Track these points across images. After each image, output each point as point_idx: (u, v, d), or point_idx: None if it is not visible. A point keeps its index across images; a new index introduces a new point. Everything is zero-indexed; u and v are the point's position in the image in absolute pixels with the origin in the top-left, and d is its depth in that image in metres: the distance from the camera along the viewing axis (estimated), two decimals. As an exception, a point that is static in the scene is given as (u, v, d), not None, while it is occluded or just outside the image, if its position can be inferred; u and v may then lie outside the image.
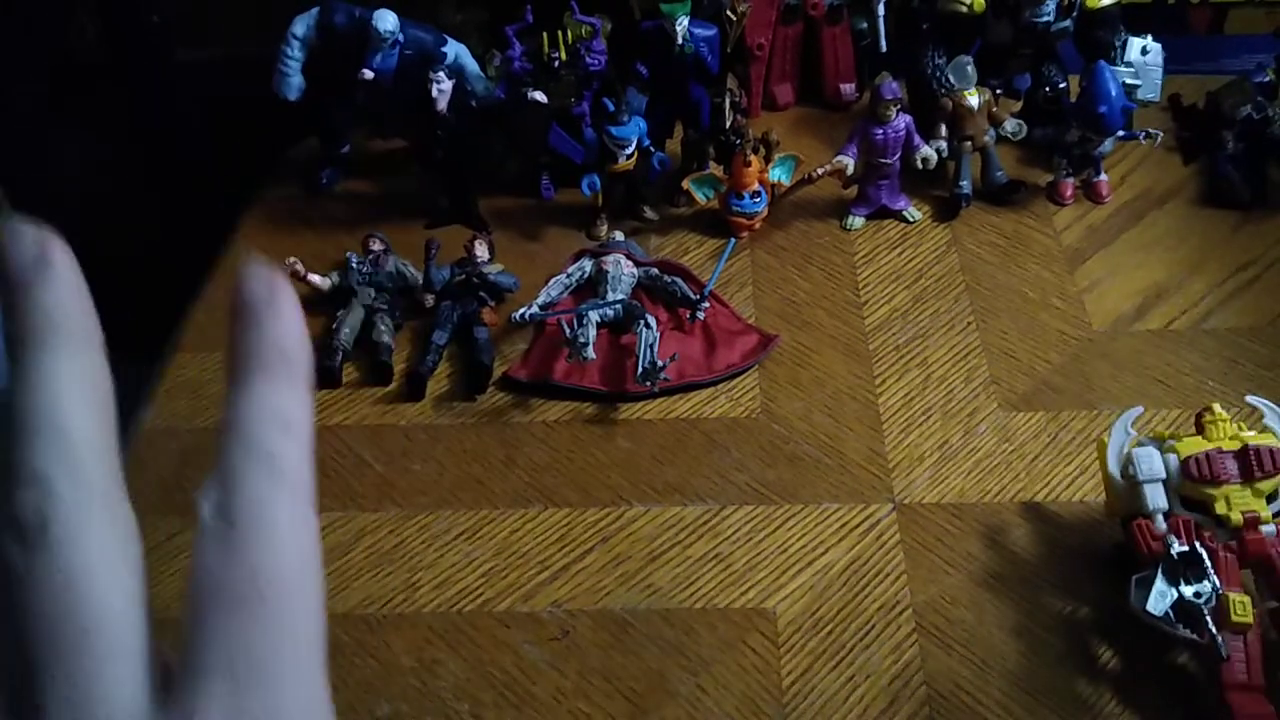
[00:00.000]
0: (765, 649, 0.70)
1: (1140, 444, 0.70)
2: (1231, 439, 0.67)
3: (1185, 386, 0.85)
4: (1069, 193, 1.03)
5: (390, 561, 0.76)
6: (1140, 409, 0.74)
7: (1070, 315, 0.92)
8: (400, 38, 0.99)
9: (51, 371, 0.22)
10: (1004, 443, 0.82)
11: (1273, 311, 0.91)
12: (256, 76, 1.04)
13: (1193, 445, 0.68)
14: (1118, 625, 0.69)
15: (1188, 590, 0.63)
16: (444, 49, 1.01)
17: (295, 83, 1.02)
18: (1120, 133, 1.00)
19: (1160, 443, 0.69)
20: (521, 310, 0.89)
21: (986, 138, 1.01)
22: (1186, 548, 0.64)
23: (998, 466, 0.80)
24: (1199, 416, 0.70)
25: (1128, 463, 0.69)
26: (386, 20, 0.97)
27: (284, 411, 0.24)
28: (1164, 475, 0.67)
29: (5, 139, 1.28)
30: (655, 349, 0.85)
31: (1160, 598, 0.63)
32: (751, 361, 0.89)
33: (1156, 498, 0.67)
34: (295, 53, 1.01)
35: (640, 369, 0.84)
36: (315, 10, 1.00)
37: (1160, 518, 0.66)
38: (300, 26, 1.00)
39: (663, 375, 0.84)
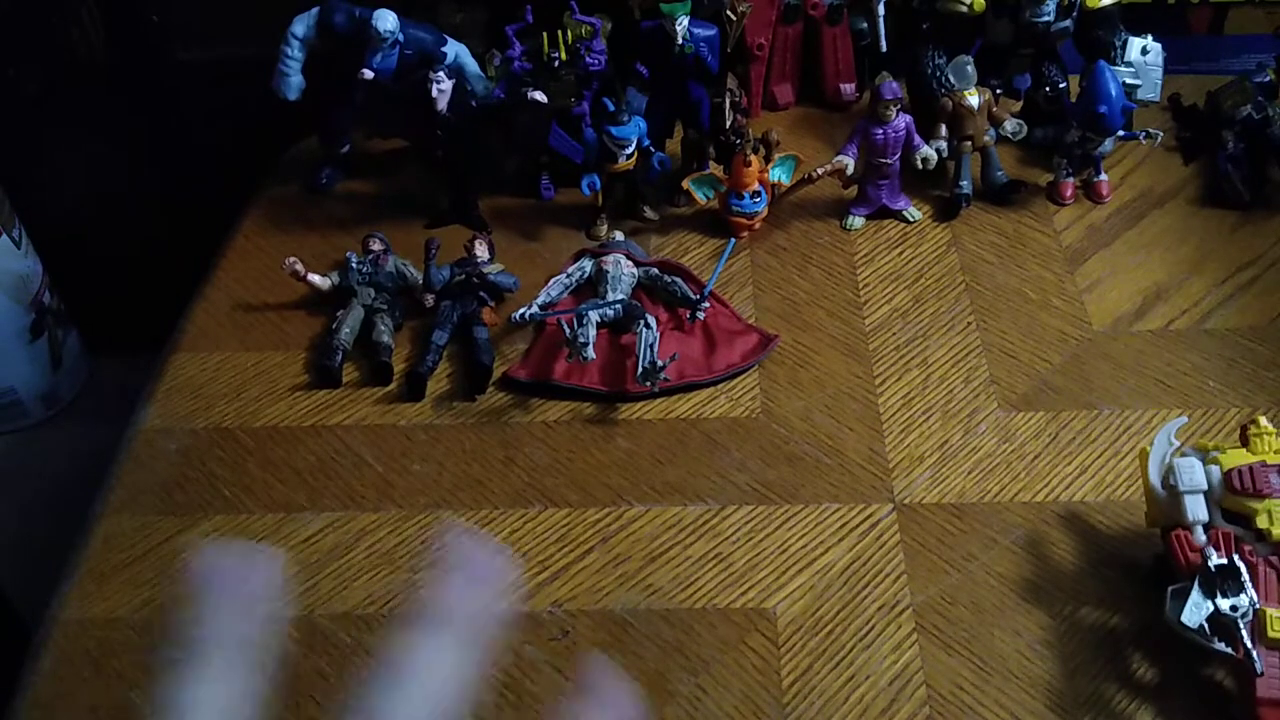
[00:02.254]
0: (765, 649, 0.70)
1: (1183, 454, 0.68)
2: (1277, 452, 0.66)
3: (1185, 386, 0.85)
4: (1069, 193, 1.03)
5: (390, 561, 0.76)
6: (1184, 418, 0.73)
7: (1070, 315, 0.92)
8: (400, 38, 0.99)
9: None
10: (1004, 443, 0.82)
11: (1273, 311, 0.91)
12: (256, 76, 1.04)
13: (1237, 457, 0.66)
14: (1118, 626, 0.70)
15: (1224, 603, 0.62)
16: (444, 49, 1.01)
17: (295, 83, 1.02)
18: (1120, 133, 1.00)
19: (1203, 454, 0.68)
20: (521, 310, 0.90)
21: (986, 138, 1.01)
22: (1225, 560, 0.63)
23: (998, 466, 0.80)
24: (1244, 429, 0.69)
25: (1169, 472, 0.68)
26: (386, 20, 0.97)
27: None
28: (1206, 487, 0.66)
29: (5, 139, 1.28)
30: (655, 349, 0.85)
31: (1195, 610, 0.62)
32: (751, 361, 0.89)
33: (1197, 509, 0.66)
34: (295, 53, 1.01)
35: (640, 369, 0.84)
36: (315, 10, 1.01)
37: (1200, 529, 0.65)
38: (300, 26, 1.01)
39: (663, 375, 0.84)
